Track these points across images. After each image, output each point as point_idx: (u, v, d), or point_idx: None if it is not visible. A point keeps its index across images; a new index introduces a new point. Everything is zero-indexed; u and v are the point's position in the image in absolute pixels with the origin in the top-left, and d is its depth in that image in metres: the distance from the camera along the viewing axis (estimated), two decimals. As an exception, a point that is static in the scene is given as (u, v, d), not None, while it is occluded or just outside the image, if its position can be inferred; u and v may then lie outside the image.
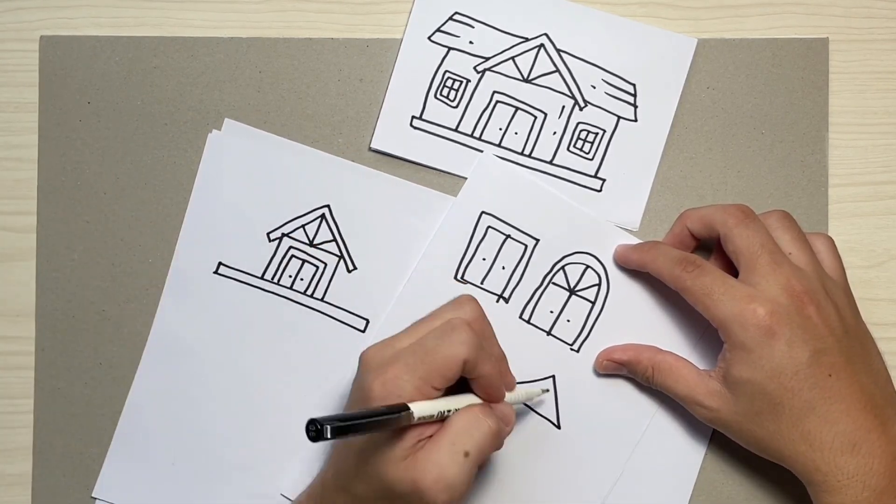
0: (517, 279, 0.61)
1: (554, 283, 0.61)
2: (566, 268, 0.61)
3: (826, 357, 0.54)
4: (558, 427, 0.60)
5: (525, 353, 0.60)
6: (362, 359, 0.54)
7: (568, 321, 0.61)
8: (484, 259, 0.61)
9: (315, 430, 0.46)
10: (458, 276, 0.61)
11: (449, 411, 0.52)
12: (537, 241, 0.61)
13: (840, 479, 0.53)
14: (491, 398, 0.54)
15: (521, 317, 0.61)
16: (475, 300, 0.55)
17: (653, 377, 0.59)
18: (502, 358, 0.56)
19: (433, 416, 0.51)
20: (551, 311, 0.61)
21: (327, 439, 0.46)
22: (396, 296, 0.61)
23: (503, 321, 0.60)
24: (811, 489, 0.55)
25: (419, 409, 0.50)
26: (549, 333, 0.61)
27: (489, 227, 0.61)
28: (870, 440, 0.53)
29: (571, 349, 0.61)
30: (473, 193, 0.61)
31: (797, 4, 0.63)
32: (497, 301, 0.61)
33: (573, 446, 0.60)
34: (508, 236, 0.61)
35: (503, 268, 0.61)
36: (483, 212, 0.61)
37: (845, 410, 0.53)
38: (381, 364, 0.52)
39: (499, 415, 0.53)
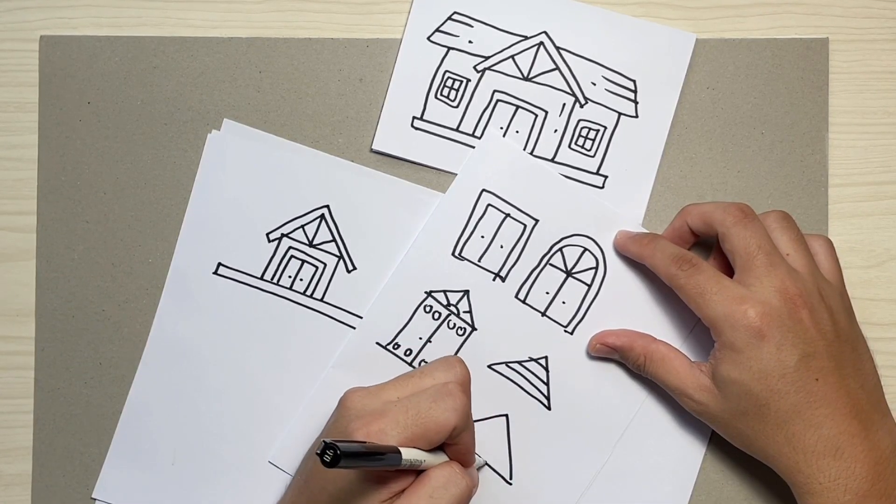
0: (515, 258, 0.61)
1: (551, 265, 0.61)
2: (564, 250, 0.61)
3: (815, 361, 0.54)
4: (549, 408, 0.61)
5: (519, 333, 0.61)
6: (344, 402, 0.53)
7: (563, 303, 0.61)
8: (482, 237, 0.61)
9: (332, 454, 0.45)
10: (456, 253, 0.61)
11: (420, 461, 0.51)
12: (536, 221, 0.61)
13: (822, 482, 0.53)
14: (463, 463, 0.54)
15: (516, 296, 0.61)
16: (464, 363, 0.55)
17: (644, 365, 0.59)
18: (473, 422, 0.56)
19: (415, 462, 0.51)
20: (547, 293, 0.61)
21: (343, 467, 0.45)
22: (394, 270, 0.61)
23: (499, 300, 0.61)
24: (794, 490, 0.55)
25: (405, 453, 0.50)
26: (543, 314, 0.61)
27: (489, 204, 0.61)
28: (853, 444, 0.53)
29: (565, 331, 0.61)
30: (475, 171, 0.61)
31: (797, 4, 0.63)
32: (493, 280, 0.61)
33: (563, 428, 0.60)
34: (508, 215, 0.61)
35: (501, 246, 0.61)
36: (484, 189, 0.61)
37: (830, 415, 0.54)
38: (367, 413, 0.52)
39: (473, 473, 0.54)
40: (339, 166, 0.61)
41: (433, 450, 0.53)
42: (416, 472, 0.52)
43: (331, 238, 0.61)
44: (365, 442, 0.49)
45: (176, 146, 0.62)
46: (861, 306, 0.60)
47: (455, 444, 0.53)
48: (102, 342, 0.61)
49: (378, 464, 0.48)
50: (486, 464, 0.60)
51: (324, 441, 0.45)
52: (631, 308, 0.61)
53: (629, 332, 0.60)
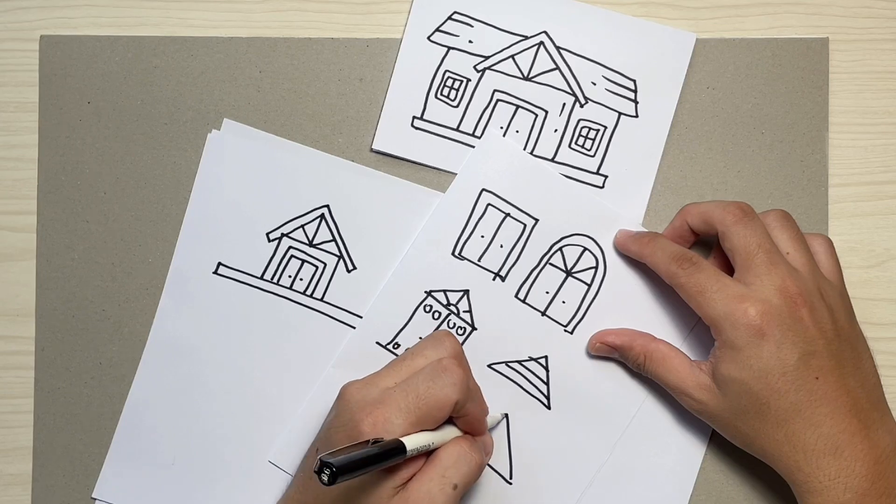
0: (514, 258, 0.61)
1: (551, 264, 0.61)
2: (564, 249, 0.61)
3: (815, 360, 0.54)
4: (549, 408, 0.61)
5: (519, 332, 0.61)
6: (343, 395, 0.53)
7: (563, 302, 0.61)
8: (482, 236, 0.61)
9: (330, 472, 0.45)
10: (456, 253, 0.61)
11: (428, 444, 0.52)
12: (536, 220, 0.61)
13: (822, 481, 0.53)
14: (475, 432, 0.55)
15: (516, 296, 0.61)
16: (453, 335, 0.55)
17: (644, 364, 0.59)
18: (478, 389, 0.56)
19: (422, 448, 0.51)
20: (547, 292, 0.61)
21: (345, 480, 0.45)
22: (393, 270, 0.61)
23: (499, 300, 0.61)
24: (794, 488, 0.55)
25: (411, 443, 0.50)
26: (543, 314, 0.61)
27: (489, 204, 0.61)
28: (853, 443, 0.53)
29: (565, 330, 0.61)
30: (475, 170, 0.61)
31: (797, 4, 0.63)
32: (493, 279, 0.61)
33: (563, 427, 0.60)
34: (508, 215, 0.61)
35: (501, 246, 0.61)
36: (483, 189, 0.61)
37: (830, 414, 0.54)
38: (368, 403, 0.52)
39: (481, 446, 0.54)
40: (339, 166, 0.61)
41: (442, 424, 0.53)
42: (427, 453, 0.52)
43: (331, 238, 0.61)
44: (367, 441, 0.49)
45: (176, 146, 0.62)
46: (861, 306, 0.60)
47: (463, 416, 0.53)
48: (102, 342, 0.61)
49: (381, 465, 0.48)
50: (506, 416, 0.60)
51: (319, 459, 0.45)
52: (631, 307, 0.61)
53: (629, 331, 0.60)
